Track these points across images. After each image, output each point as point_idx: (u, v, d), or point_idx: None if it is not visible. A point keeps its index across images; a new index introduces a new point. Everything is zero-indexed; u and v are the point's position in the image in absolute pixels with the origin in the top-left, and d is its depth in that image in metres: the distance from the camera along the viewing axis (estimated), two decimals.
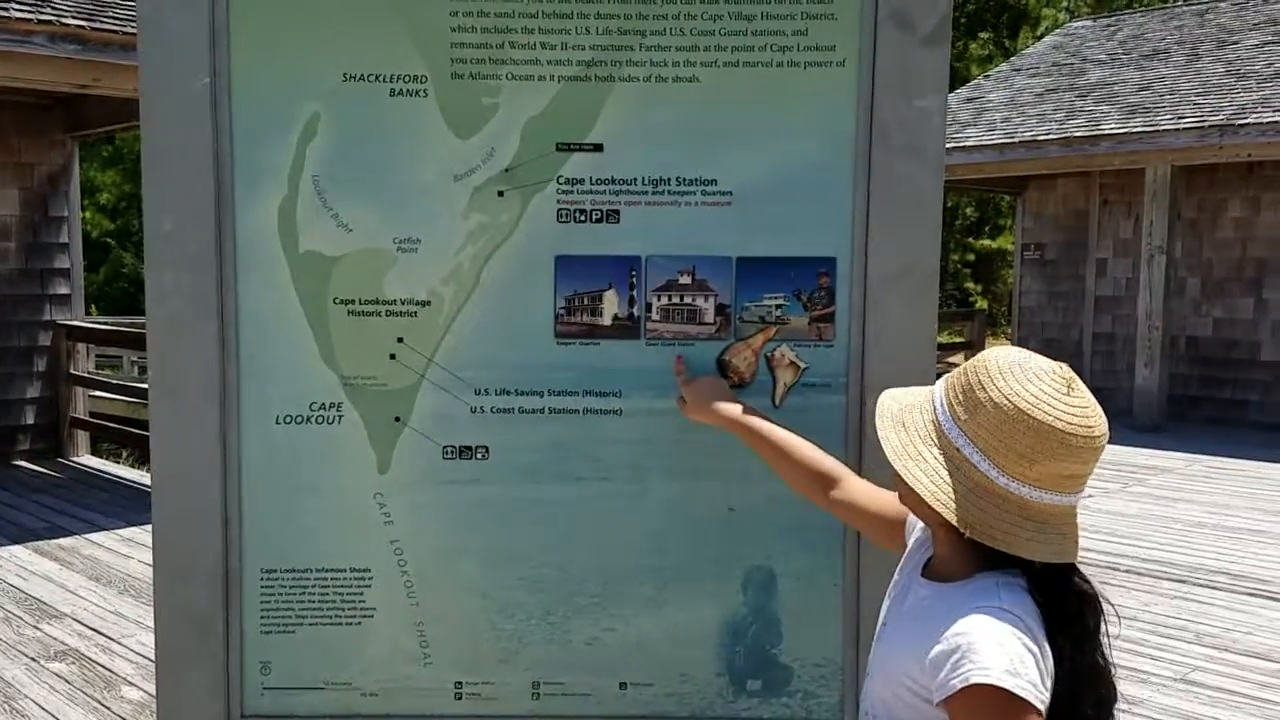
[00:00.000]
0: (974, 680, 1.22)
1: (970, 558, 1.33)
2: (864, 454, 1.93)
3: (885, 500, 1.66)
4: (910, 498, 1.38)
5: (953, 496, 1.29)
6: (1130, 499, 7.75)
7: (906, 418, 1.38)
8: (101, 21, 6.43)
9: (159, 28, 1.85)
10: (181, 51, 1.85)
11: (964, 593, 1.31)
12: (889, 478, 1.43)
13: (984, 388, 1.29)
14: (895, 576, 1.54)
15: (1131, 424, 10.92)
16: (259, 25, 1.89)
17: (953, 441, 1.31)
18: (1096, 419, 1.28)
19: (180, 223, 1.87)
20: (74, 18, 6.35)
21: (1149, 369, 10.92)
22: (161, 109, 1.86)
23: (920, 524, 1.54)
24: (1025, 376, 1.29)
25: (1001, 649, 1.23)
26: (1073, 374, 1.31)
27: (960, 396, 1.32)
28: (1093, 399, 1.30)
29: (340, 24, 1.89)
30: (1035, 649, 1.25)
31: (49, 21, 6.20)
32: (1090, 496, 7.57)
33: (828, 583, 2.01)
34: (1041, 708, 1.22)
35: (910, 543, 1.56)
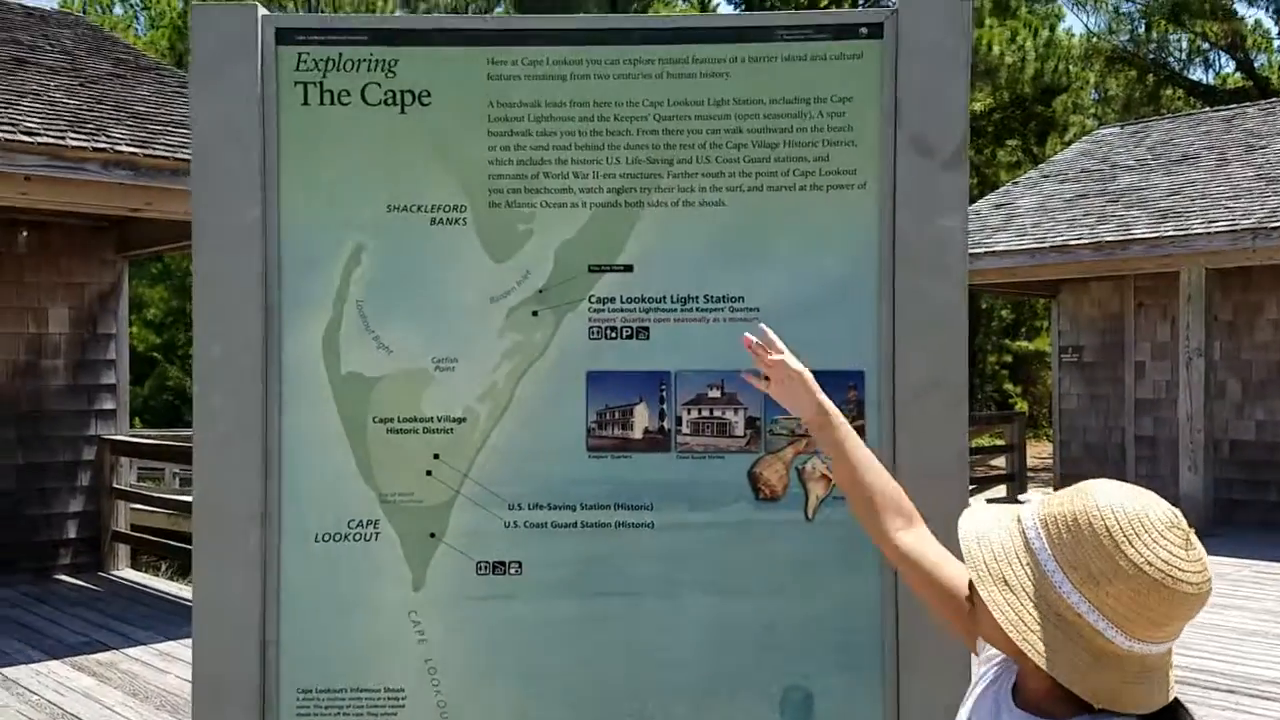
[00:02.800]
0: None
1: (1071, 699, 1.25)
2: None
3: (958, 573, 1.50)
4: (1005, 643, 1.28)
5: (1077, 666, 1.21)
6: None
7: (1005, 572, 1.26)
8: (154, 148, 6.70)
9: (212, 164, 1.96)
10: (233, 187, 1.95)
11: None
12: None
13: (1112, 557, 1.20)
14: (975, 691, 1.44)
15: None
16: (307, 162, 1.99)
17: (1074, 607, 1.21)
18: (1208, 568, 1.23)
19: (229, 348, 1.94)
20: (128, 145, 6.63)
21: (1194, 473, 10.75)
22: (213, 240, 1.96)
23: None
24: (1152, 538, 1.20)
25: None
26: (1184, 522, 1.24)
27: (1075, 557, 1.22)
28: (1200, 545, 1.24)
29: (385, 160, 2.00)
30: None
31: (103, 149, 6.47)
32: None
33: (868, 706, 1.98)
34: None
35: (985, 655, 1.46)
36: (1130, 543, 1.19)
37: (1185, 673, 5.86)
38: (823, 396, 1.70)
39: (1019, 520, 1.28)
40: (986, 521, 1.31)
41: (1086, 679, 1.21)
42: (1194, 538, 1.22)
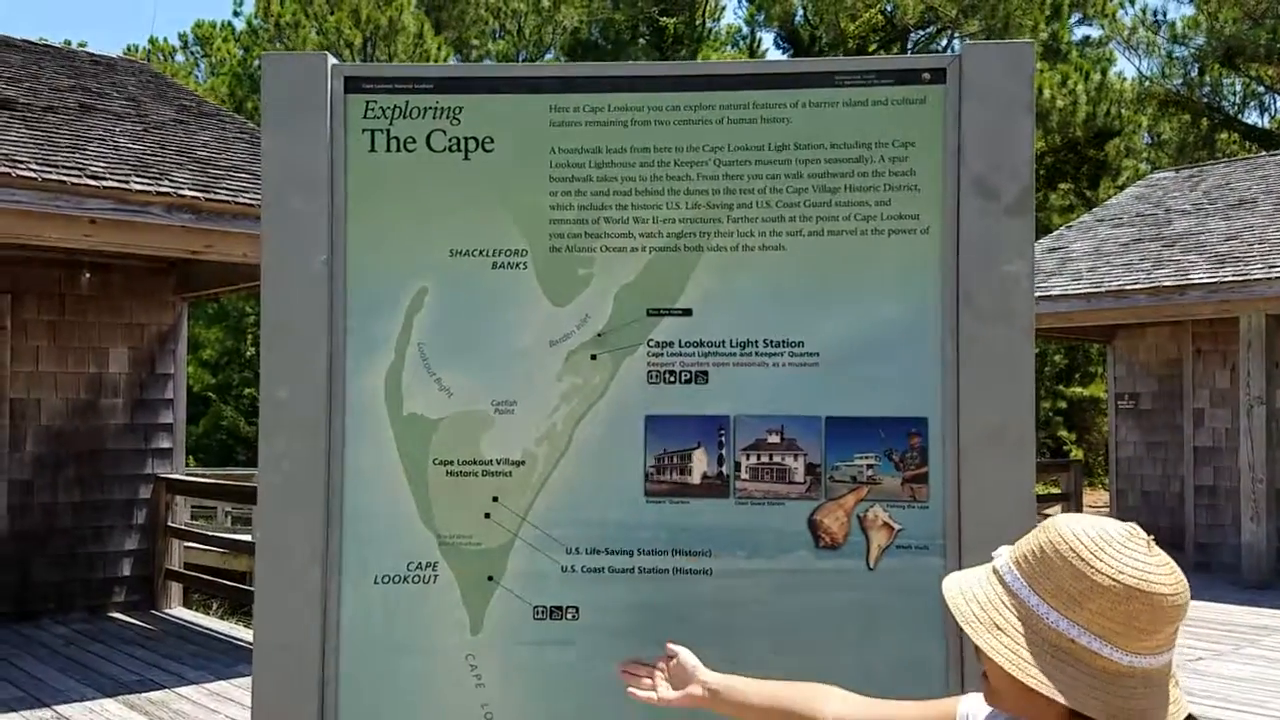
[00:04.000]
0: None
1: None
2: None
3: (928, 713, 1.58)
4: (1020, 696, 1.30)
5: (1089, 690, 1.25)
6: (1243, 661, 7.34)
7: (995, 617, 1.31)
8: (215, 192, 6.85)
9: (282, 211, 2.00)
10: (302, 232, 1.99)
11: None
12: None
13: (1084, 574, 1.26)
14: None
15: (1240, 581, 10.41)
16: (373, 208, 2.03)
17: (1065, 633, 1.26)
18: (1178, 571, 1.29)
19: (294, 391, 1.97)
20: (190, 189, 6.78)
21: (1255, 523, 10.48)
22: (282, 284, 1.99)
23: (981, 715, 1.48)
24: (1116, 550, 1.27)
25: None
26: (1142, 532, 1.30)
27: (1054, 584, 1.28)
28: (1162, 551, 1.30)
29: (448, 205, 2.03)
30: None
31: (167, 194, 6.62)
32: (1200, 659, 7.19)
33: None
34: None
35: None
36: (1098, 557, 1.26)
37: None
38: (704, 673, 1.75)
39: (995, 570, 1.35)
40: (967, 579, 1.38)
41: (1097, 701, 1.24)
42: (1154, 544, 1.29)
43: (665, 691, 1.78)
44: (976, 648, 1.33)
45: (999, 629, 1.30)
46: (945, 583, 1.40)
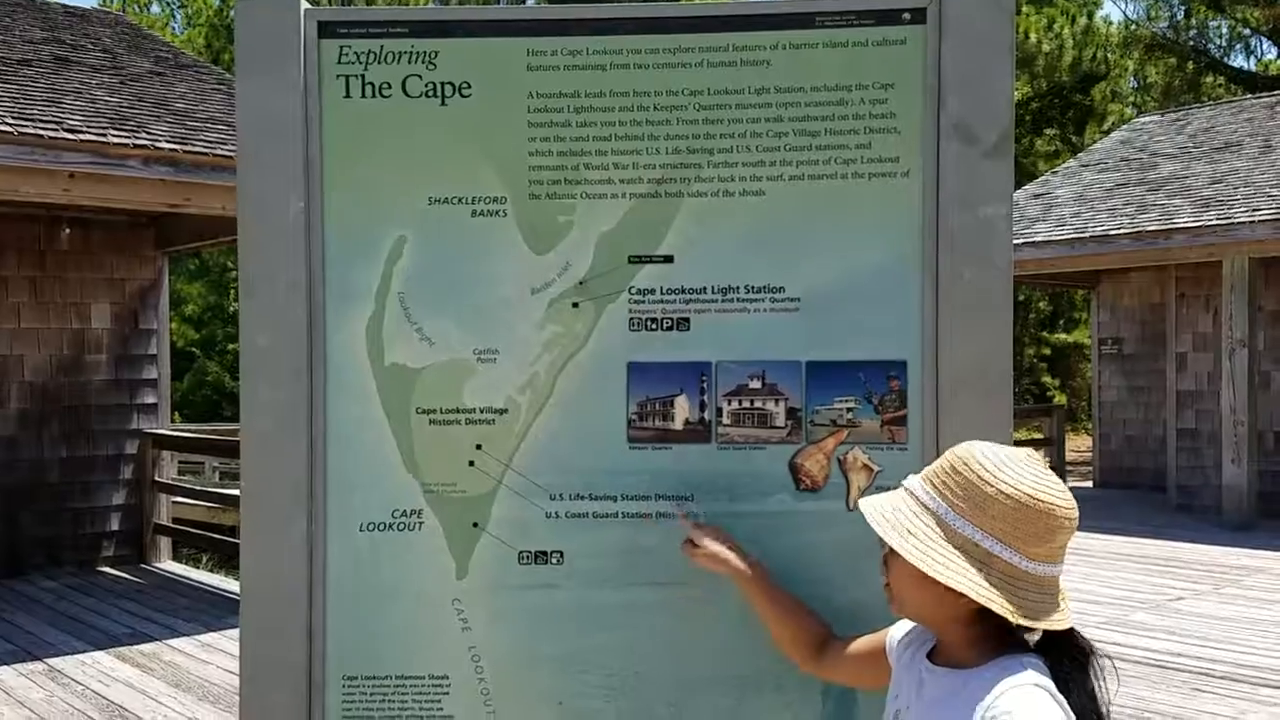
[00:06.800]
0: None
1: (985, 644, 1.47)
2: None
3: (871, 642, 1.77)
4: (922, 598, 1.48)
5: (992, 588, 1.40)
6: (1222, 601, 7.46)
7: (907, 523, 1.48)
8: (193, 145, 6.77)
9: (257, 158, 1.98)
10: (277, 180, 1.97)
11: (992, 672, 1.43)
12: None
13: (987, 483, 1.43)
14: (895, 676, 1.65)
15: (1221, 522, 10.56)
16: (350, 155, 2.00)
17: (970, 538, 1.43)
18: (1069, 492, 1.47)
19: (274, 340, 1.96)
20: (168, 142, 6.70)
21: (1237, 465, 10.61)
22: (258, 233, 1.97)
23: (901, 633, 1.67)
24: (1015, 468, 1.44)
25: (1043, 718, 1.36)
26: (1039, 457, 1.49)
27: (961, 494, 1.44)
28: (1054, 474, 1.48)
29: (426, 152, 2.00)
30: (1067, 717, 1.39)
31: (144, 146, 6.55)
32: (1180, 599, 7.31)
33: None
34: None
35: (899, 651, 1.66)
36: (1001, 470, 1.43)
37: (1233, 668, 5.79)
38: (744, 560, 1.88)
39: (906, 488, 1.53)
40: (880, 499, 1.55)
41: (1000, 596, 1.40)
42: (1048, 468, 1.48)
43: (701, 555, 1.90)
44: (885, 558, 1.53)
45: (911, 533, 1.46)
46: (862, 503, 1.55)
